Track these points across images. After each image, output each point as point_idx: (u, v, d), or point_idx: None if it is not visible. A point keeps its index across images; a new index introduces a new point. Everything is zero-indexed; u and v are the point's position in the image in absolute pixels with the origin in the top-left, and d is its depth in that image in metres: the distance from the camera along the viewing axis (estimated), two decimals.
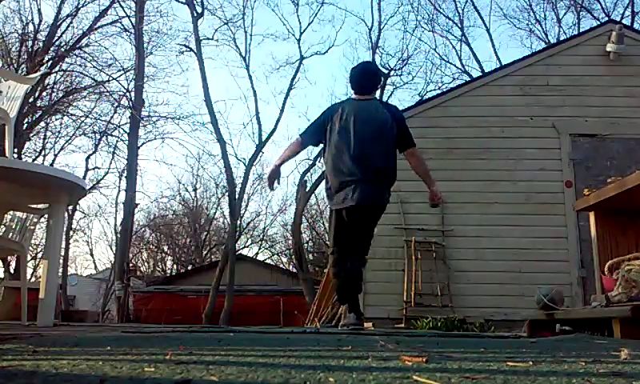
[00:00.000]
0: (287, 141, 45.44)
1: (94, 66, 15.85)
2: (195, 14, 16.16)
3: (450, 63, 20.08)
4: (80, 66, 15.87)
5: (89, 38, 15.87)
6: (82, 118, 16.65)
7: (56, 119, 16.75)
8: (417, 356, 1.35)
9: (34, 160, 16.27)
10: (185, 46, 16.82)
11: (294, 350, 1.61)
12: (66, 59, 15.72)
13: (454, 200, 6.69)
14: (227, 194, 17.72)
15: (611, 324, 2.42)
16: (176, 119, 17.49)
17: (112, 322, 16.35)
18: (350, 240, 3.81)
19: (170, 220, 27.66)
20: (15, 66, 14.40)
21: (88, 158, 19.11)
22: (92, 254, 33.96)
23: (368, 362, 1.24)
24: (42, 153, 17.31)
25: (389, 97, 19.62)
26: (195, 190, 27.91)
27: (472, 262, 6.56)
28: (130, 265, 18.99)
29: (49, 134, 17.23)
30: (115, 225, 22.09)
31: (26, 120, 14.78)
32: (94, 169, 19.66)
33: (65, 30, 15.65)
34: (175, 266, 28.25)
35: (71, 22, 15.73)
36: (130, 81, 16.40)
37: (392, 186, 3.87)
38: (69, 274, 21.22)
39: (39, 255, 16.75)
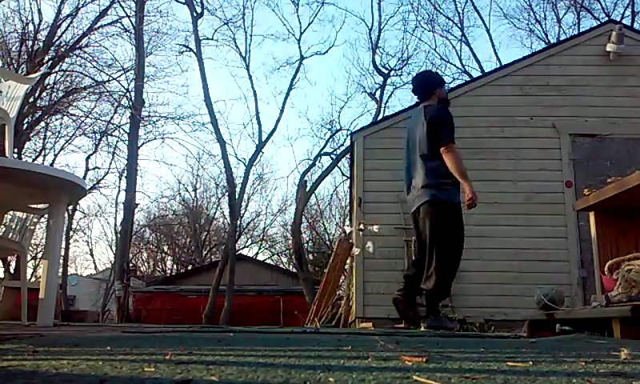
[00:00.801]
0: (287, 141, 45.42)
1: (94, 66, 15.86)
2: (195, 14, 16.19)
3: (450, 63, 20.13)
4: (80, 66, 15.88)
5: (89, 38, 15.88)
6: (82, 118, 16.66)
7: (56, 119, 16.77)
8: (417, 356, 1.35)
9: (34, 160, 16.27)
10: (185, 46, 16.86)
11: (294, 350, 1.61)
12: (66, 59, 15.72)
13: None
14: (227, 194, 17.74)
15: (611, 324, 2.42)
16: (176, 119, 17.54)
17: (112, 321, 16.35)
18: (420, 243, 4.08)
19: (170, 220, 27.66)
20: (15, 65, 14.40)
21: (88, 158, 19.14)
22: (92, 254, 34.03)
23: (368, 362, 1.24)
24: (42, 153, 17.33)
25: (389, 97, 19.70)
26: (195, 189, 27.94)
27: (472, 262, 6.54)
28: (130, 265, 18.99)
29: (49, 134, 17.25)
30: (115, 225, 22.12)
31: (26, 120, 14.78)
32: (94, 169, 19.68)
33: (65, 30, 15.67)
34: (175, 266, 28.25)
35: (71, 22, 15.75)
36: (130, 81, 16.41)
37: (436, 185, 3.92)
38: (69, 274, 21.21)
39: (39, 255, 16.76)
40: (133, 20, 16.35)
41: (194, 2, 16.29)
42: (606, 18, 15.25)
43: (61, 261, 16.27)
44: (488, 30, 23.05)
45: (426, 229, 3.93)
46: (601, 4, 18.86)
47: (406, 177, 4.15)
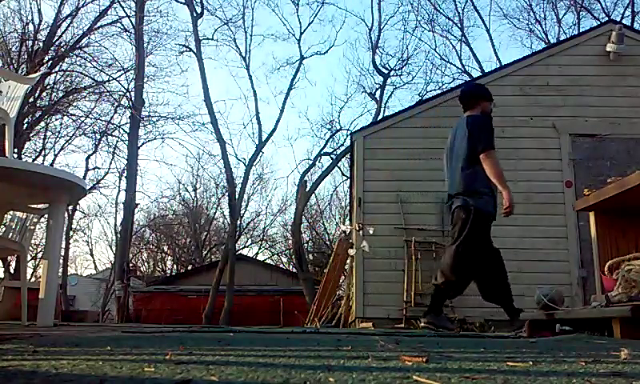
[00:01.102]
0: (287, 141, 45.45)
1: (94, 66, 15.87)
2: (195, 14, 16.19)
3: (450, 63, 20.15)
4: (80, 66, 15.89)
5: (89, 38, 15.89)
6: (82, 118, 16.66)
7: (56, 119, 16.78)
8: (417, 356, 1.35)
9: (34, 160, 16.27)
10: (185, 46, 16.86)
11: (294, 350, 1.61)
12: (66, 59, 15.73)
13: None
14: (227, 194, 17.74)
15: (611, 324, 2.42)
16: (176, 119, 17.54)
17: (112, 322, 16.34)
18: None
19: (170, 220, 27.66)
20: (15, 65, 14.40)
21: (88, 158, 19.14)
22: (92, 254, 34.00)
23: (368, 362, 1.24)
24: (42, 153, 17.34)
25: (389, 97, 19.69)
26: (195, 189, 27.94)
27: None
28: (130, 265, 18.99)
29: (49, 134, 17.26)
30: (115, 225, 22.14)
31: (26, 120, 14.78)
32: (94, 169, 19.69)
33: (65, 30, 15.69)
34: (175, 266, 28.26)
35: (71, 22, 15.77)
36: (130, 81, 16.42)
37: (471, 192, 3.96)
38: (69, 273, 21.21)
39: (39, 255, 16.76)
40: (133, 20, 16.37)
41: (194, 2, 16.30)
42: (606, 18, 15.27)
43: (61, 261, 16.27)
44: (488, 30, 23.10)
45: (454, 232, 3.97)
46: (601, 4, 18.88)
47: (447, 184, 4.21)
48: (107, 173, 20.09)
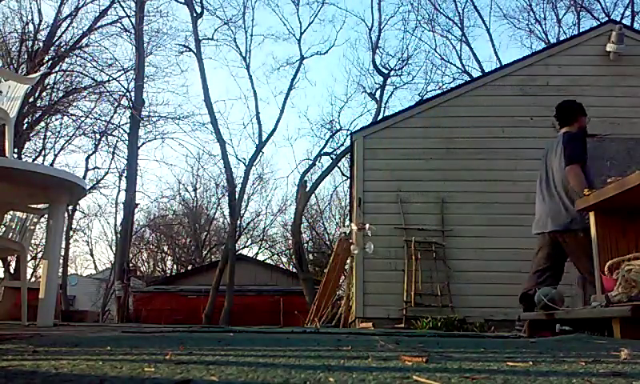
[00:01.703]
0: (287, 141, 45.35)
1: (93, 66, 15.88)
2: (195, 14, 16.20)
3: (450, 63, 20.17)
4: (80, 66, 15.89)
5: (89, 38, 15.90)
6: (82, 118, 16.65)
7: (56, 119, 16.77)
8: (417, 356, 1.35)
9: (34, 160, 16.26)
10: (185, 46, 16.87)
11: (294, 350, 1.61)
12: (66, 59, 15.73)
13: (454, 200, 6.70)
14: (227, 193, 17.74)
15: (611, 324, 2.42)
16: (176, 119, 17.53)
17: (112, 321, 16.34)
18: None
19: (170, 220, 27.65)
20: (15, 65, 14.40)
21: (88, 158, 19.14)
22: (92, 254, 33.99)
23: (368, 362, 1.24)
24: (42, 153, 17.33)
25: (389, 97, 19.70)
26: (195, 189, 27.93)
27: (472, 262, 6.56)
28: (130, 265, 18.98)
29: (49, 134, 17.25)
30: (115, 225, 22.13)
31: (26, 120, 14.77)
32: (94, 169, 19.69)
33: (65, 30, 15.69)
34: (175, 266, 28.24)
35: (71, 22, 15.77)
36: (130, 81, 16.43)
37: (567, 213, 3.91)
38: (69, 273, 21.21)
39: (39, 255, 16.75)
40: (133, 20, 16.37)
41: (194, 2, 16.31)
42: (606, 18, 15.27)
43: (61, 261, 16.27)
44: (488, 30, 23.09)
45: (581, 257, 3.79)
46: (601, 4, 18.90)
47: (541, 194, 4.19)
48: (107, 173, 20.11)
